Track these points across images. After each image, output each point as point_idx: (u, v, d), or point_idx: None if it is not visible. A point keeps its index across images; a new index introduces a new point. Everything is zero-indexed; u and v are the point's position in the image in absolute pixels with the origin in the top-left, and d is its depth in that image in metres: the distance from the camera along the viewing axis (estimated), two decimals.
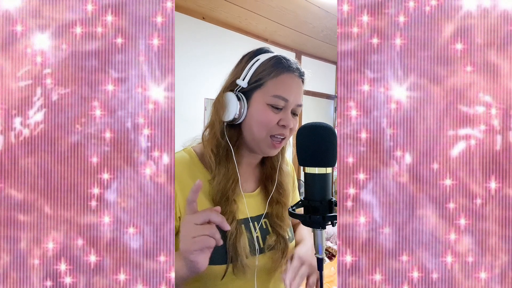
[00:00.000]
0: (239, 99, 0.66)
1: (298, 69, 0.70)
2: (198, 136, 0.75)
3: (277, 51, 0.73)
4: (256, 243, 0.69)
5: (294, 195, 0.86)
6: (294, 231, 0.83)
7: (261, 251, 0.70)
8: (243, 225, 0.68)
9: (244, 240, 0.66)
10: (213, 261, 0.61)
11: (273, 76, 0.66)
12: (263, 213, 0.74)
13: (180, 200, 0.65)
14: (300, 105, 0.70)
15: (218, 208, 0.57)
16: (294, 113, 0.70)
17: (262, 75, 0.67)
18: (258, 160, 0.78)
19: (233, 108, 0.66)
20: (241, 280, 0.67)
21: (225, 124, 0.69)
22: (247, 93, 0.68)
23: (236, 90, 0.68)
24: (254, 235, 0.70)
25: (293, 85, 0.68)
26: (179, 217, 0.65)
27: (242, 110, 0.67)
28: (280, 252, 0.71)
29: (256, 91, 0.67)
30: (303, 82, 0.71)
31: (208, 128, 0.72)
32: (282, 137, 0.69)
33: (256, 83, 0.67)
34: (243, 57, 0.73)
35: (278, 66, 0.67)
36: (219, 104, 0.69)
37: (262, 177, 0.78)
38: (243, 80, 0.67)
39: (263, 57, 0.68)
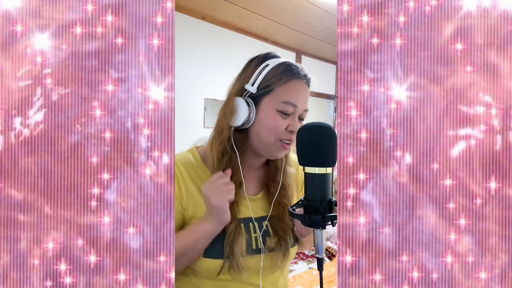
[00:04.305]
0: (248, 104, 0.67)
1: (305, 75, 0.72)
2: (200, 139, 0.77)
3: (277, 51, 0.74)
4: (255, 244, 0.70)
5: (299, 195, 0.86)
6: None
7: (259, 251, 0.70)
8: (242, 224, 0.69)
9: (242, 239, 0.67)
10: (209, 254, 0.66)
11: (282, 83, 0.67)
12: (265, 215, 0.74)
13: (184, 193, 0.68)
14: (306, 110, 0.72)
15: (229, 171, 0.67)
16: (300, 118, 0.71)
17: (272, 81, 0.68)
18: (261, 163, 0.78)
19: (243, 113, 0.67)
20: (237, 280, 0.68)
21: (232, 129, 0.70)
22: (255, 99, 0.68)
23: (245, 95, 0.69)
24: (253, 236, 0.71)
25: (301, 92, 0.70)
26: (184, 208, 0.69)
27: (251, 115, 0.68)
28: (281, 254, 0.72)
29: (265, 97, 0.68)
30: (309, 87, 0.73)
31: (216, 133, 0.73)
32: (289, 142, 0.70)
33: (265, 89, 0.68)
34: (251, 61, 0.73)
35: (288, 72, 0.68)
36: (228, 109, 0.70)
37: (265, 179, 0.78)
38: (252, 85, 0.68)
39: (272, 63, 0.69)
